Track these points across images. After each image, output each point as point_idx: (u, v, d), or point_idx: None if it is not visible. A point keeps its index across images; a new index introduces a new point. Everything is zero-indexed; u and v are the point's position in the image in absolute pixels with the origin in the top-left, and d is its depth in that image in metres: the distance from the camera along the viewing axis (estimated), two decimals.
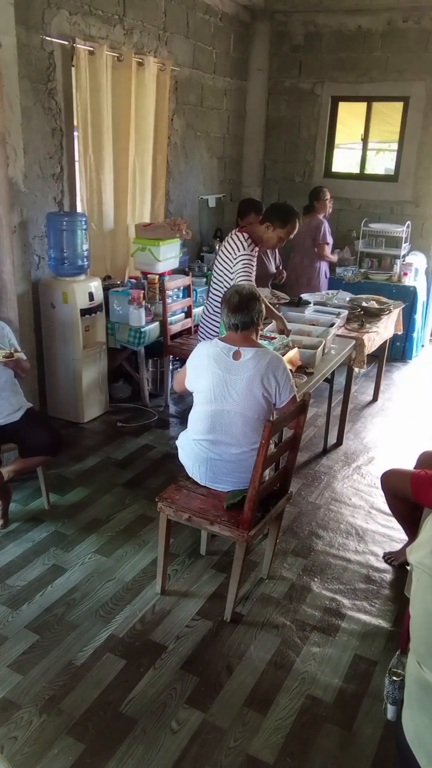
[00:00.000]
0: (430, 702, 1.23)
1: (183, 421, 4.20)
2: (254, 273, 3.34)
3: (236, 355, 2.49)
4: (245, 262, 3.25)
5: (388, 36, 5.82)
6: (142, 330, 4.29)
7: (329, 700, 2.27)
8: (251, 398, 2.47)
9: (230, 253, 3.30)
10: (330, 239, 5.47)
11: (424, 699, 1.24)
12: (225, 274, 3.34)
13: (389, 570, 3.00)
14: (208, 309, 3.58)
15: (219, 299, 3.41)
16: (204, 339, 3.65)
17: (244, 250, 3.25)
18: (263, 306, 2.59)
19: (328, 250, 5.45)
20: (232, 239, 3.32)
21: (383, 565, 3.03)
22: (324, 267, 5.52)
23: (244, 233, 3.31)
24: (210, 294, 3.55)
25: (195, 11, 5.23)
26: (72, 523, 3.19)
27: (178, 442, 2.77)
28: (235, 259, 3.27)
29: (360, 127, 6.28)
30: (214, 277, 3.46)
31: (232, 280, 3.27)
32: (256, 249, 3.33)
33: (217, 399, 2.49)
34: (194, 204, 5.84)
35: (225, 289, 3.30)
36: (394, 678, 1.42)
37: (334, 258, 5.65)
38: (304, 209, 5.41)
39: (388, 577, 2.95)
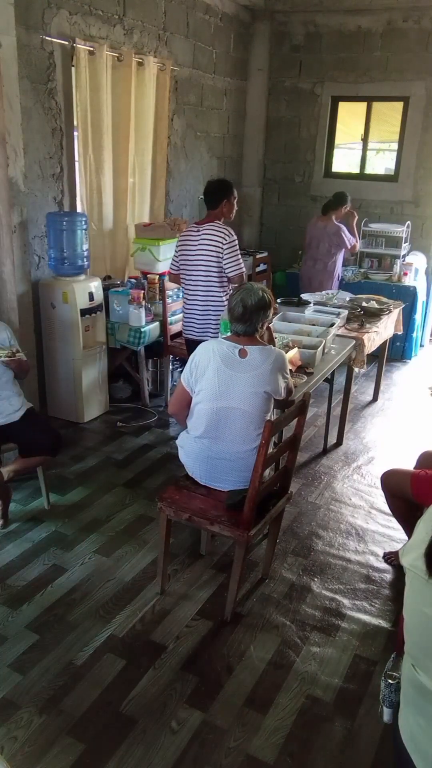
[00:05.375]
0: (425, 704, 1.23)
1: None
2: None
3: (242, 353, 2.51)
4: (234, 245, 3.58)
5: (388, 36, 5.82)
6: (142, 330, 4.29)
7: (329, 700, 2.27)
8: (255, 395, 2.49)
9: (217, 244, 3.55)
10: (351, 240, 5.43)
11: (419, 701, 1.24)
12: (210, 266, 3.60)
13: (389, 570, 3.00)
14: (197, 305, 3.68)
15: (203, 294, 3.67)
16: (190, 335, 3.72)
17: (231, 236, 3.57)
18: (270, 311, 2.60)
19: (357, 246, 5.48)
20: (211, 231, 3.57)
21: (383, 565, 3.03)
22: (339, 271, 5.49)
23: (217, 222, 3.62)
24: (199, 288, 3.68)
25: (195, 11, 5.23)
26: (72, 523, 3.19)
27: (178, 442, 2.77)
28: (223, 247, 3.54)
29: (360, 127, 6.28)
30: (197, 272, 3.64)
31: (225, 267, 3.57)
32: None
33: (221, 396, 2.49)
34: (194, 204, 5.84)
35: (211, 280, 3.62)
36: (390, 681, 1.41)
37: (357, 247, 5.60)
38: (322, 210, 5.41)
39: (388, 577, 2.95)
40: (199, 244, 3.61)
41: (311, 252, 5.43)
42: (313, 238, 5.38)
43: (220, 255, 3.55)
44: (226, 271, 3.58)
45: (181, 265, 3.74)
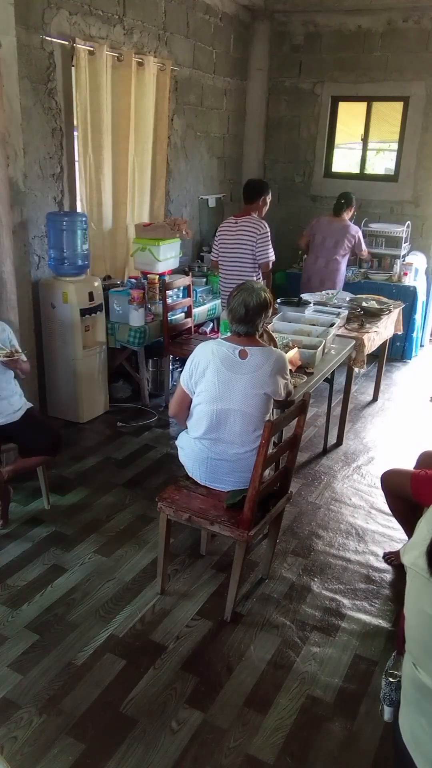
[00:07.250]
0: (426, 703, 1.23)
1: None
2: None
3: (242, 354, 2.50)
4: (267, 236, 4.18)
5: (388, 36, 5.82)
6: (142, 330, 4.29)
7: (329, 700, 2.27)
8: (255, 396, 2.48)
9: (252, 235, 4.15)
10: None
11: (420, 700, 1.24)
12: (245, 253, 4.20)
13: (389, 570, 3.00)
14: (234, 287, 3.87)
15: (237, 276, 4.17)
16: None
17: (265, 228, 4.17)
18: (270, 310, 2.60)
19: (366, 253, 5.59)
20: (248, 223, 4.17)
21: (383, 565, 3.03)
22: (345, 271, 5.51)
23: (254, 215, 4.21)
24: (234, 272, 4.23)
25: (195, 11, 5.23)
26: (72, 523, 3.19)
27: (178, 442, 2.77)
28: (257, 237, 4.15)
29: (360, 127, 6.28)
30: (234, 258, 4.23)
31: (256, 255, 4.19)
32: None
33: (221, 398, 2.49)
34: (194, 204, 5.84)
35: (245, 266, 4.20)
36: (391, 679, 1.41)
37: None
38: (334, 211, 5.41)
39: (388, 577, 2.95)
40: (237, 234, 4.22)
41: (324, 252, 5.33)
42: (327, 237, 5.31)
43: (254, 243, 4.16)
44: (258, 258, 4.19)
45: (220, 252, 4.34)
